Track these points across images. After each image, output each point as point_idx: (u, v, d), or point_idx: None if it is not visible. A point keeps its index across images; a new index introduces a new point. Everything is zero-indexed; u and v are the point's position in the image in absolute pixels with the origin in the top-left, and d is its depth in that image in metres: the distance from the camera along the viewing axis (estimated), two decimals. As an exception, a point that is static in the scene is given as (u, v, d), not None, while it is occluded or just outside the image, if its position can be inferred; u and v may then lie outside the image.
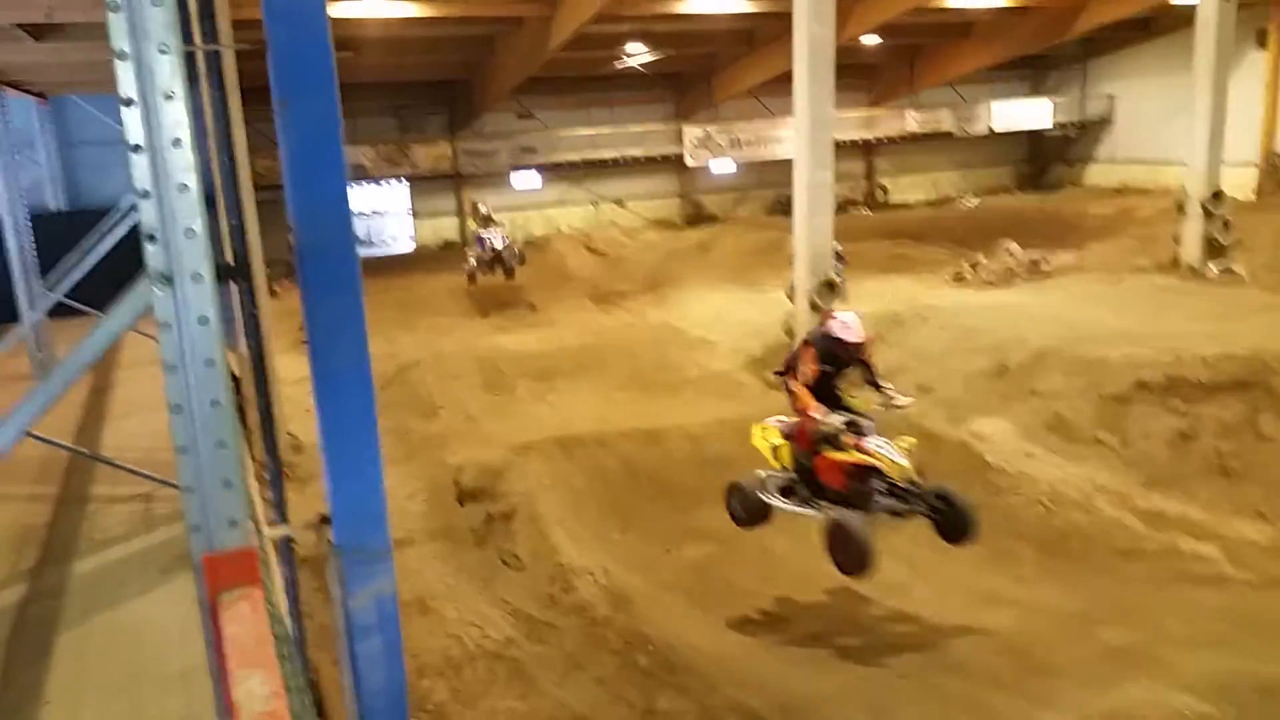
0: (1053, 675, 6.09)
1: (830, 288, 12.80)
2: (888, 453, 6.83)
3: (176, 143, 2.20)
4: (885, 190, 28.18)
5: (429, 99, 23.79)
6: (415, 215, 24.89)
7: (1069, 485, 9.18)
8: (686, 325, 16.11)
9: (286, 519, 3.88)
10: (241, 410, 5.92)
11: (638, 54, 22.28)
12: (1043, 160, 29.66)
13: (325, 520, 2.76)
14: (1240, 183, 20.28)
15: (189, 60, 2.41)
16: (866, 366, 7.36)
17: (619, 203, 25.87)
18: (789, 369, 7.48)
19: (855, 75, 24.16)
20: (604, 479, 9.65)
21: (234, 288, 3.70)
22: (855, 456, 6.89)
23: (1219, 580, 7.60)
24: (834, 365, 7.28)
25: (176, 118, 2.20)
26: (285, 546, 4.06)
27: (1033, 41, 24.44)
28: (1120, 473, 9.36)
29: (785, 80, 13.14)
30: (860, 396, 7.50)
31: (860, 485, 6.93)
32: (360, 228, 23.32)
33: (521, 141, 23.90)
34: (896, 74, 26.42)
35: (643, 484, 9.64)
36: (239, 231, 3.60)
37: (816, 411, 7.01)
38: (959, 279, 17.53)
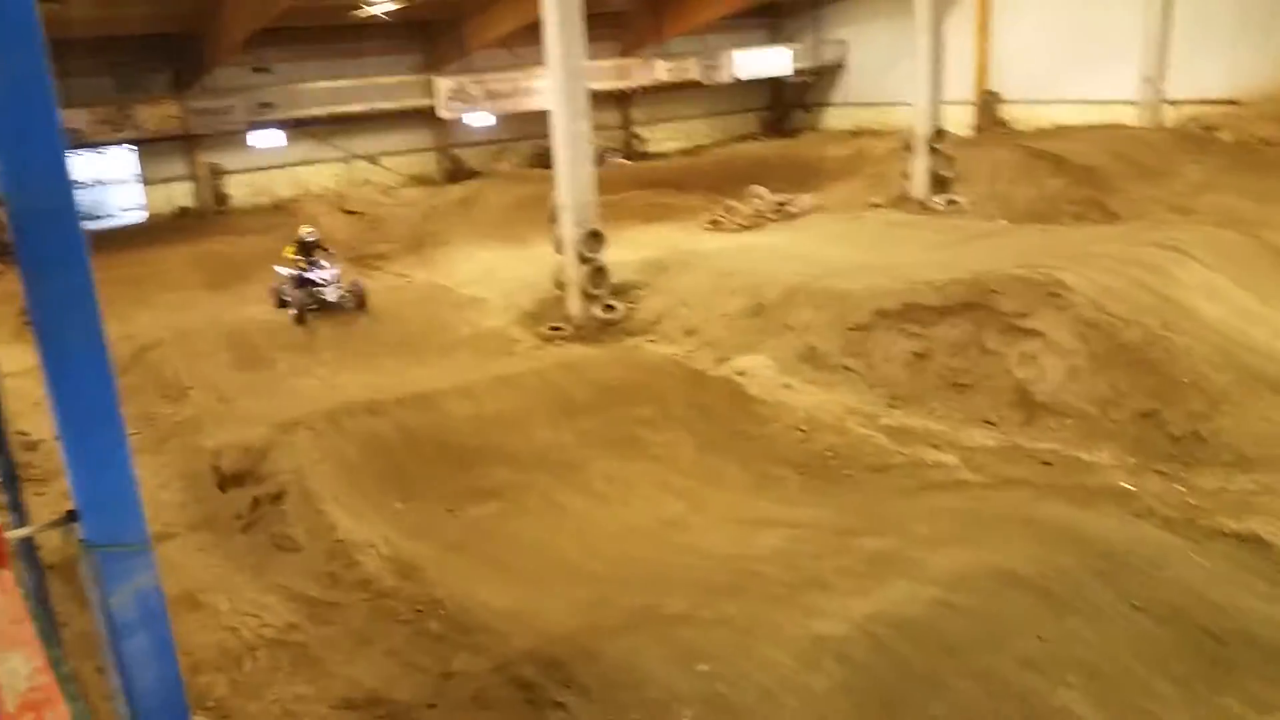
0: (822, 587, 6.53)
1: (596, 238, 12.97)
2: None
3: None
4: (642, 140, 28.67)
5: (151, 54, 21.74)
6: (145, 182, 22.88)
7: (823, 410, 9.88)
8: (455, 284, 15.85)
9: (26, 522, 3.53)
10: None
11: (380, 2, 21.35)
12: (783, 106, 31.11)
13: (72, 516, 2.53)
14: (960, 120, 22.22)
15: None
16: None
17: (372, 160, 24.86)
18: None
19: (605, 25, 24.28)
20: (379, 448, 9.38)
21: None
22: None
23: (958, 485, 8.39)
24: None
25: None
26: (28, 550, 3.69)
27: (769, -13, 25.53)
28: (867, 395, 10.18)
29: (537, 29, 13.03)
30: None
31: None
32: (82, 199, 21.14)
33: (259, 97, 22.34)
34: (644, 23, 26.82)
35: (421, 449, 9.44)
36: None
37: None
38: (715, 224, 18.25)
